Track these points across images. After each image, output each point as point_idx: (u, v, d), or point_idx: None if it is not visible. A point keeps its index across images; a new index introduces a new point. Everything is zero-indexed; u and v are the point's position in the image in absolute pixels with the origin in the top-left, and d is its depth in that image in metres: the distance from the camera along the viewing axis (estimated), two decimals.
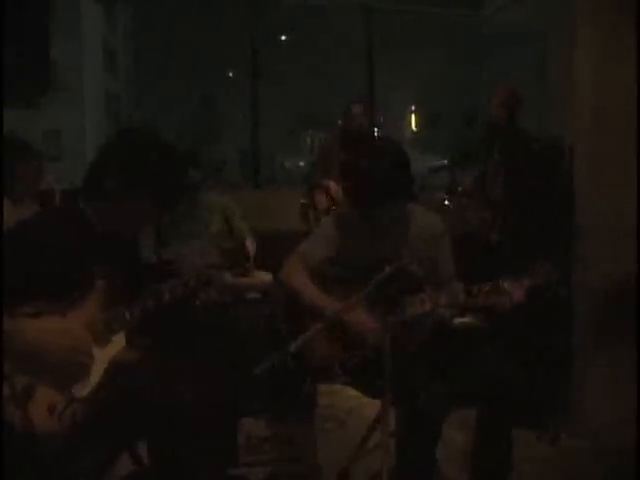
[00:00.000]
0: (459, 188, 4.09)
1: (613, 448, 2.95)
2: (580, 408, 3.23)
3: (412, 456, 2.17)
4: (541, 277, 2.27)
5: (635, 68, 3.08)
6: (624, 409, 3.08)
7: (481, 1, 6.99)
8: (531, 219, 3.50)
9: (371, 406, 2.54)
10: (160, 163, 1.97)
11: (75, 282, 1.85)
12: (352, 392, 2.48)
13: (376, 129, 5.59)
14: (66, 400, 1.76)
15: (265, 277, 3.76)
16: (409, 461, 2.18)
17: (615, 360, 3.19)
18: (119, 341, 1.93)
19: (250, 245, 3.82)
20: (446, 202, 4.00)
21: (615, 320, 3.18)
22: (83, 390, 1.81)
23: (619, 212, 3.11)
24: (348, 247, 2.46)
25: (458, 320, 2.73)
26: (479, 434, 2.38)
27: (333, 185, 4.67)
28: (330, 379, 2.40)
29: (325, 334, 2.28)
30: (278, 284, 2.57)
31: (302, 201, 4.80)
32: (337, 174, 4.65)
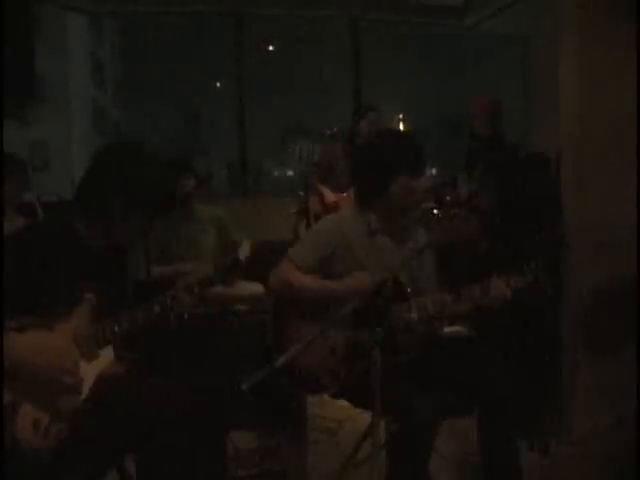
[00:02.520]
0: (447, 197, 4.09)
1: (604, 456, 2.95)
2: (570, 416, 3.23)
3: (405, 468, 2.16)
4: (529, 275, 2.29)
5: (621, 74, 3.11)
6: (616, 416, 3.09)
7: (464, 11, 7.03)
8: (519, 227, 3.51)
9: (362, 417, 2.52)
10: (150, 176, 1.98)
11: (63, 296, 1.84)
12: (343, 403, 2.47)
13: None
14: (52, 415, 1.74)
15: (255, 288, 3.74)
16: (402, 473, 2.17)
17: (607, 366, 3.20)
18: (107, 355, 1.92)
19: (246, 250, 3.81)
20: (435, 211, 4.00)
21: (605, 327, 3.20)
22: (70, 405, 1.79)
23: (607, 217, 3.13)
24: (339, 251, 2.44)
25: (448, 329, 2.73)
26: (482, 445, 2.38)
27: (327, 192, 4.67)
28: (319, 390, 2.39)
29: (314, 347, 2.26)
30: (271, 290, 2.51)
31: (292, 210, 4.79)
32: (335, 182, 4.67)
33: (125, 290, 2.10)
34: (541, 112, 3.55)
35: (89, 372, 1.84)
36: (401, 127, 8.64)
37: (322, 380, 2.30)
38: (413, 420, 2.09)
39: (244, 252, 3.72)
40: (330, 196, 4.64)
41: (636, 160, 3.12)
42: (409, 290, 2.37)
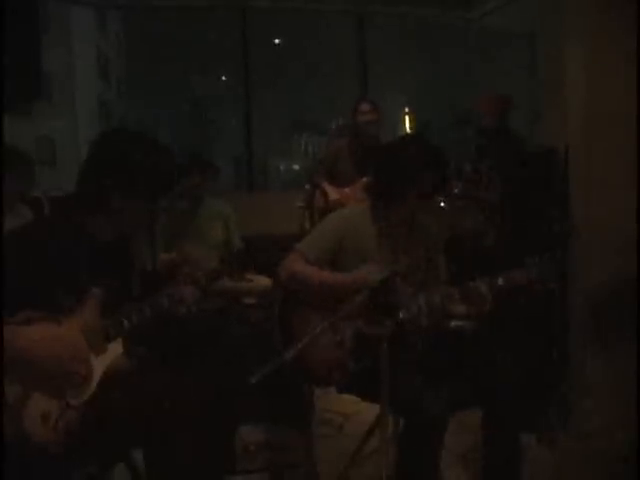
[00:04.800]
0: (455, 190, 4.07)
1: (611, 450, 2.94)
2: (578, 409, 3.22)
3: (414, 462, 2.16)
4: (532, 269, 2.28)
5: (629, 67, 3.08)
6: (622, 410, 3.08)
7: (470, 3, 7.00)
8: (526, 222, 3.50)
9: (369, 411, 2.52)
10: (149, 160, 1.96)
11: (70, 289, 1.83)
12: (350, 397, 2.47)
13: None
14: (61, 409, 1.74)
15: (262, 281, 3.75)
16: (411, 467, 2.16)
17: (613, 361, 3.19)
18: (116, 349, 1.91)
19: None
20: (442, 204, 3.98)
21: (612, 321, 3.19)
22: (78, 398, 1.79)
23: (615, 212, 3.12)
24: (348, 246, 2.43)
25: (455, 323, 2.72)
26: (486, 439, 2.37)
27: (330, 189, 4.67)
28: (327, 384, 2.39)
29: (323, 341, 2.27)
30: (278, 282, 2.49)
31: (299, 204, 4.79)
32: (340, 178, 4.66)
33: (132, 283, 2.09)
34: (548, 106, 3.53)
35: (97, 366, 1.84)
36: (407, 121, 8.61)
37: (330, 373, 2.30)
38: (421, 413, 2.09)
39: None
40: (333, 193, 4.64)
41: None
42: (418, 284, 2.37)
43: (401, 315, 2.25)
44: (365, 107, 4.73)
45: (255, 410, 2.95)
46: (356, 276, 2.26)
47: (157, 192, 2.00)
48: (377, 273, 2.07)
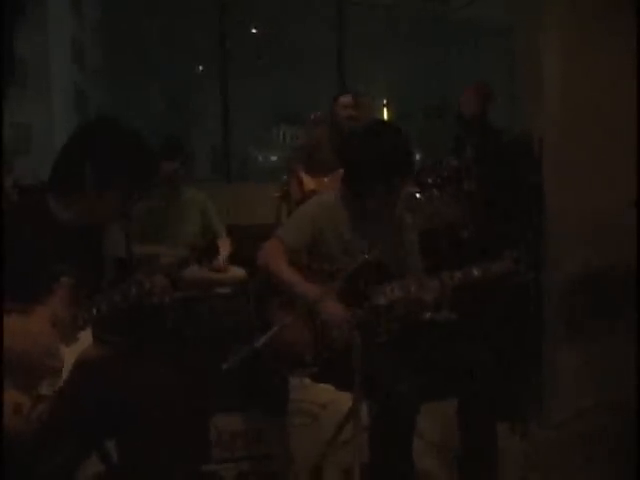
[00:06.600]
0: (429, 180, 4.08)
1: (583, 439, 2.98)
2: (552, 399, 3.26)
3: (387, 451, 2.17)
4: (508, 260, 2.31)
5: (604, 60, 3.11)
6: (595, 400, 3.13)
7: None
8: (502, 213, 3.52)
9: (345, 400, 2.53)
10: (126, 150, 1.94)
11: (39, 279, 1.81)
12: (325, 386, 2.47)
13: None
14: (32, 400, 1.72)
15: (237, 272, 3.74)
16: (384, 456, 2.17)
17: (586, 352, 3.23)
18: (86, 338, 1.89)
19: (225, 244, 3.79)
20: (417, 195, 3.99)
21: (586, 311, 3.22)
22: (50, 389, 1.77)
23: (590, 203, 3.14)
24: (326, 233, 2.44)
25: (429, 313, 2.74)
26: (461, 428, 2.39)
27: (307, 178, 4.65)
28: (301, 370, 2.39)
29: (297, 326, 2.27)
30: (256, 268, 2.51)
31: (275, 194, 4.78)
32: (317, 167, 4.65)
33: (103, 272, 2.07)
34: (525, 97, 3.55)
35: (68, 355, 1.82)
36: (385, 113, 8.63)
37: (304, 361, 2.30)
38: (394, 401, 2.09)
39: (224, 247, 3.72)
40: (309, 183, 4.63)
41: (620, 145, 3.12)
42: (393, 273, 2.38)
43: (375, 303, 2.26)
44: (346, 100, 4.65)
45: (230, 399, 2.94)
46: (317, 299, 2.21)
47: (132, 182, 1.98)
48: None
